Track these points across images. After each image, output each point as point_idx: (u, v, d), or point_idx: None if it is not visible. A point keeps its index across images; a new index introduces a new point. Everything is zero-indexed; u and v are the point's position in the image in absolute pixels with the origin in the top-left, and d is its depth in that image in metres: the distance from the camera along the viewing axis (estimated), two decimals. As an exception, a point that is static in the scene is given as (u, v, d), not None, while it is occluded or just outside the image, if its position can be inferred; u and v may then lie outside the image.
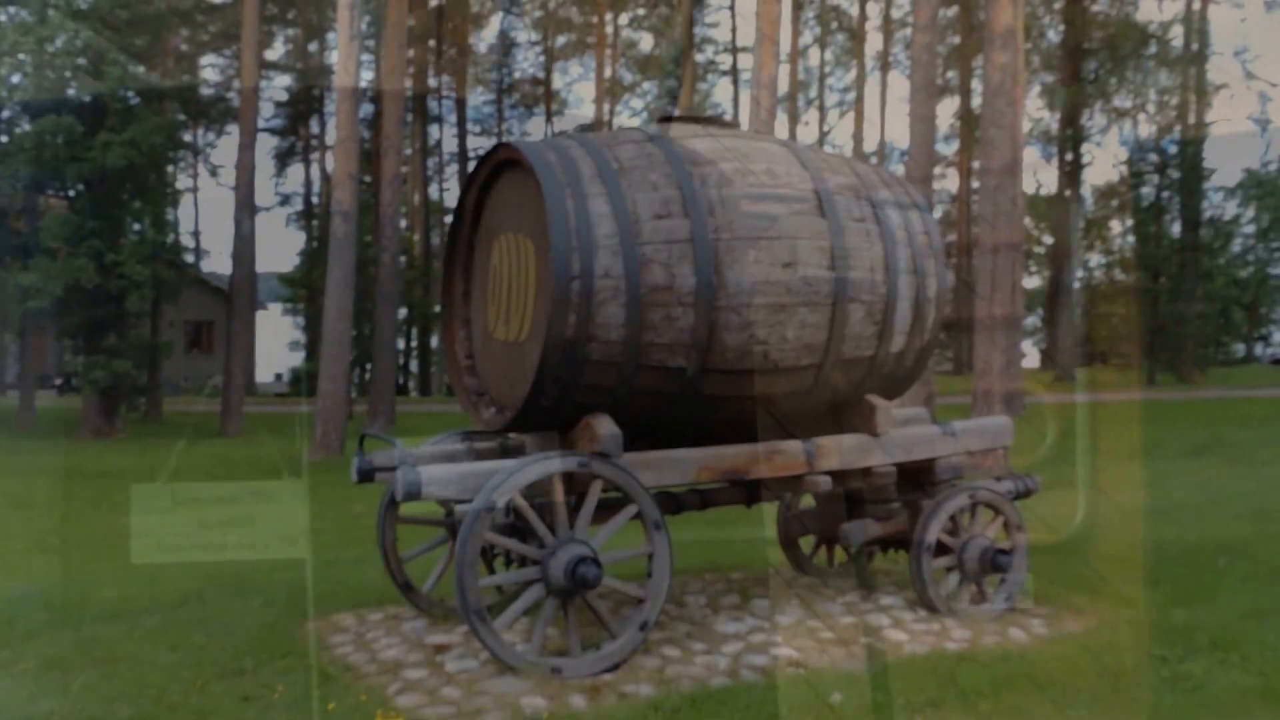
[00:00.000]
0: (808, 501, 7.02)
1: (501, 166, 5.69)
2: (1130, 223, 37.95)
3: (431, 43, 51.39)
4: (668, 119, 5.92)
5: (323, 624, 6.09)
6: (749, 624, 5.77)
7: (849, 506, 6.38)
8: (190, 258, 32.54)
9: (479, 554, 4.96)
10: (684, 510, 6.07)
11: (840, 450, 5.80)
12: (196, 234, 50.72)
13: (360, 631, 5.88)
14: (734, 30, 49.21)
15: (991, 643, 5.61)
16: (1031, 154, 42.77)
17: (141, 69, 30.30)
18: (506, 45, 56.76)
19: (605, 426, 5.21)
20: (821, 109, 48.90)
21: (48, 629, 6.41)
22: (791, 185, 5.51)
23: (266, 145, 53.92)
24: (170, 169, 36.57)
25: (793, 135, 44.17)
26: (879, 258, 5.67)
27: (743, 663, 5.23)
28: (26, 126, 25.17)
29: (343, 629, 5.96)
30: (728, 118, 6.05)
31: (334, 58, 54.57)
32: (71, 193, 25.68)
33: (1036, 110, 44.16)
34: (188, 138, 55.69)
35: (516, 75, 57.42)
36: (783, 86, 46.84)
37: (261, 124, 53.34)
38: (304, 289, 39.30)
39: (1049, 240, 45.32)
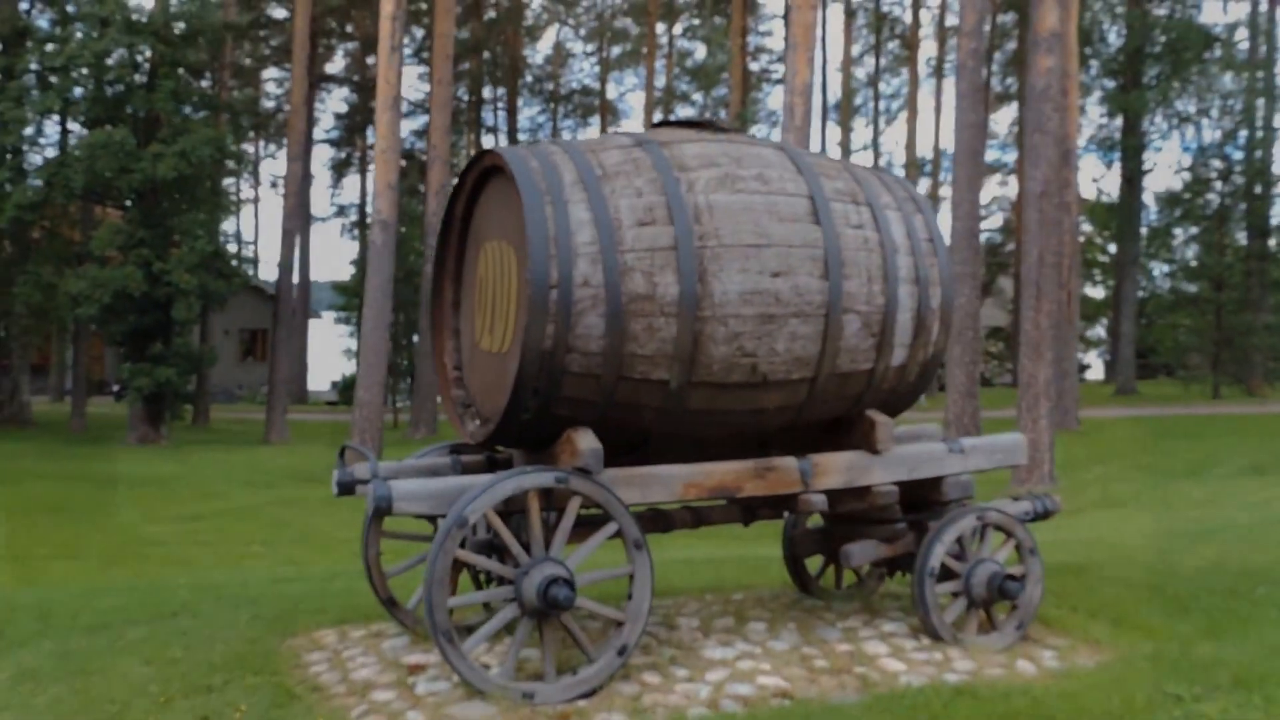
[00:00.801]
0: (816, 520, 6.76)
1: (488, 173, 5.52)
2: (1194, 231, 36.98)
3: (486, 55, 51.62)
4: (661, 123, 5.71)
5: (304, 640, 5.93)
6: (739, 649, 5.51)
7: (853, 526, 6.11)
8: (250, 269, 32.90)
9: (449, 572, 4.76)
10: (675, 528, 5.85)
11: (838, 468, 5.54)
12: (255, 243, 51.31)
13: (339, 649, 5.71)
14: (787, 39, 48.85)
15: (995, 675, 5.30)
16: (1091, 160, 41.99)
17: (198, 82, 30.75)
18: (562, 56, 57.01)
19: (586, 441, 5.00)
20: (876, 117, 48.46)
21: (35, 638, 6.34)
22: (784, 190, 5.26)
23: (324, 156, 54.65)
24: (232, 179, 37.04)
25: (845, 143, 43.74)
26: (877, 266, 5.40)
27: (725, 692, 4.97)
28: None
29: (322, 646, 5.79)
30: (722, 121, 5.78)
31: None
32: (126, 203, 26.06)
33: (1099, 116, 43.39)
34: (250, 149, 56.70)
35: (572, 85, 57.68)
36: (833, 94, 46.50)
37: (321, 136, 54.26)
38: (356, 298, 39.58)
39: (1112, 249, 44.43)
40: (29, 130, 25.81)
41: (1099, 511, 14.03)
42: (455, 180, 6.29)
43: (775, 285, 5.09)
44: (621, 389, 5.03)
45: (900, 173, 46.17)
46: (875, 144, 46.73)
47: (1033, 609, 5.83)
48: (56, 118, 26.57)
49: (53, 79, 25.31)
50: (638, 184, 5.06)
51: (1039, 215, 14.95)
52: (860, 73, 50.17)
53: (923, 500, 5.97)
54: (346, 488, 5.54)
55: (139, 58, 25.03)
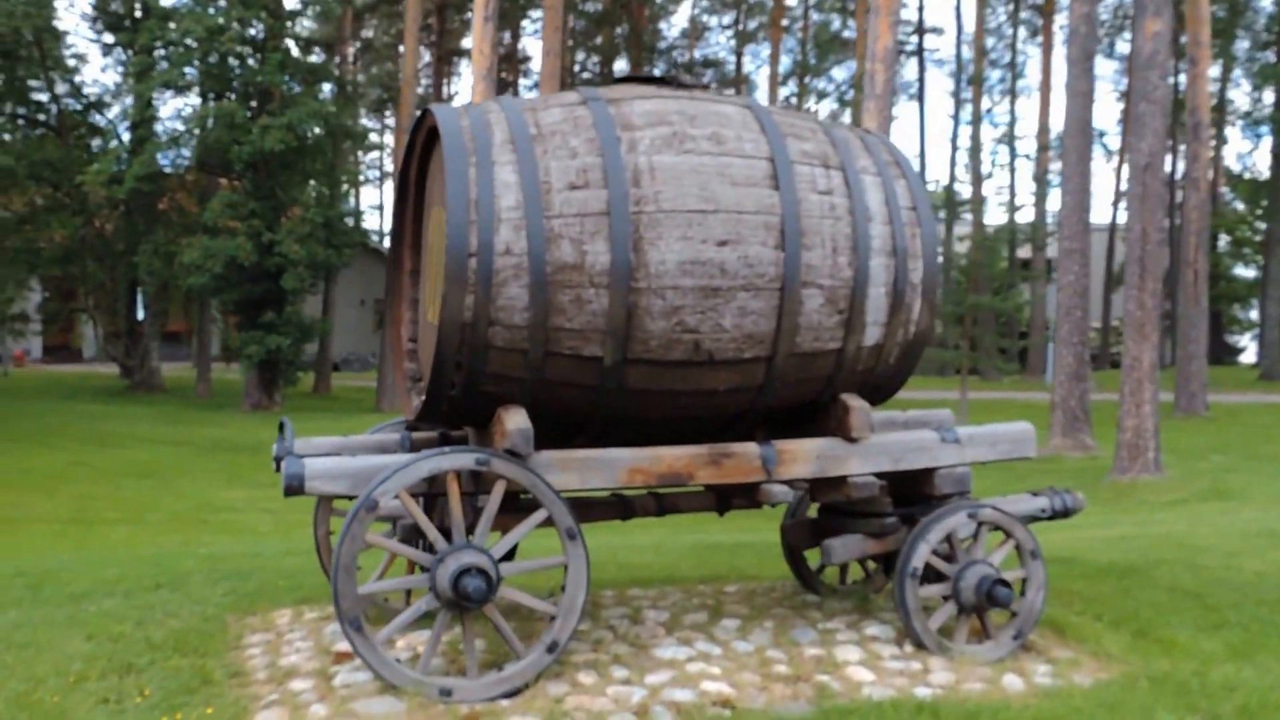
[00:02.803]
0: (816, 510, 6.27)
1: (434, 134, 5.18)
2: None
3: (620, 29, 51.39)
4: (622, 78, 5.28)
5: (258, 619, 5.75)
6: (697, 649, 5.09)
7: (842, 519, 5.61)
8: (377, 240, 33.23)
9: (356, 557, 4.48)
10: (635, 515, 5.46)
11: (807, 456, 5.05)
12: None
13: (284, 631, 5.51)
14: (921, 9, 47.37)
15: (975, 691, 4.77)
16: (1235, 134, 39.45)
17: (331, 59, 31.23)
18: (698, 29, 56.41)
19: (514, 421, 4.64)
20: (1012, 88, 46.56)
21: (8, 608, 6.29)
22: (740, 152, 4.78)
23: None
24: (374, 154, 37.14)
25: (976, 117, 42.12)
26: (845, 236, 4.88)
27: (661, 697, 4.56)
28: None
29: (270, 627, 5.60)
30: (685, 77, 5.28)
31: (524, 45, 55.64)
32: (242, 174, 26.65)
33: (1251, 90, 40.82)
34: (392, 122, 57.65)
35: (705, 58, 56.99)
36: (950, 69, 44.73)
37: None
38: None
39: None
40: (150, 103, 26.58)
41: (1201, 504, 13.05)
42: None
43: (721, 255, 4.63)
44: (552, 365, 4.66)
45: (1032, 145, 44.32)
46: (1011, 116, 44.83)
47: (1033, 617, 5.25)
48: (172, 91, 27.26)
49: (170, 53, 25.94)
50: (574, 144, 4.66)
51: (1142, 189, 13.91)
52: (995, 44, 48.25)
53: (915, 494, 5.45)
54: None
55: (251, 31, 25.51)
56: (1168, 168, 38.22)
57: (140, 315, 31.58)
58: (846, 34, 45.95)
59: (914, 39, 51.15)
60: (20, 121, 29.42)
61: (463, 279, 4.47)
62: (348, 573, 4.44)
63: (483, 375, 4.66)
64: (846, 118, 47.82)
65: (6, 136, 28.70)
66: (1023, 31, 47.66)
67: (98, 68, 74.90)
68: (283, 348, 25.14)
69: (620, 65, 54.23)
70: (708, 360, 4.72)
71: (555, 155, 4.62)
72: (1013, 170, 44.29)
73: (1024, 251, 41.50)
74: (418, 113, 6.37)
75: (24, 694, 4.59)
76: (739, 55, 55.71)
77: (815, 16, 51.04)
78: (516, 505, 4.95)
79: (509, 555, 5.78)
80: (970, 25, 46.67)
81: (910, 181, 5.18)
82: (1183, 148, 26.57)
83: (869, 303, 4.94)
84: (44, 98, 29.40)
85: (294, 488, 4.58)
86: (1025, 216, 41.85)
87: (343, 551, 4.43)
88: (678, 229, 4.58)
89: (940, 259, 5.23)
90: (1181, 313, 22.88)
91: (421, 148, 5.31)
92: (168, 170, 26.78)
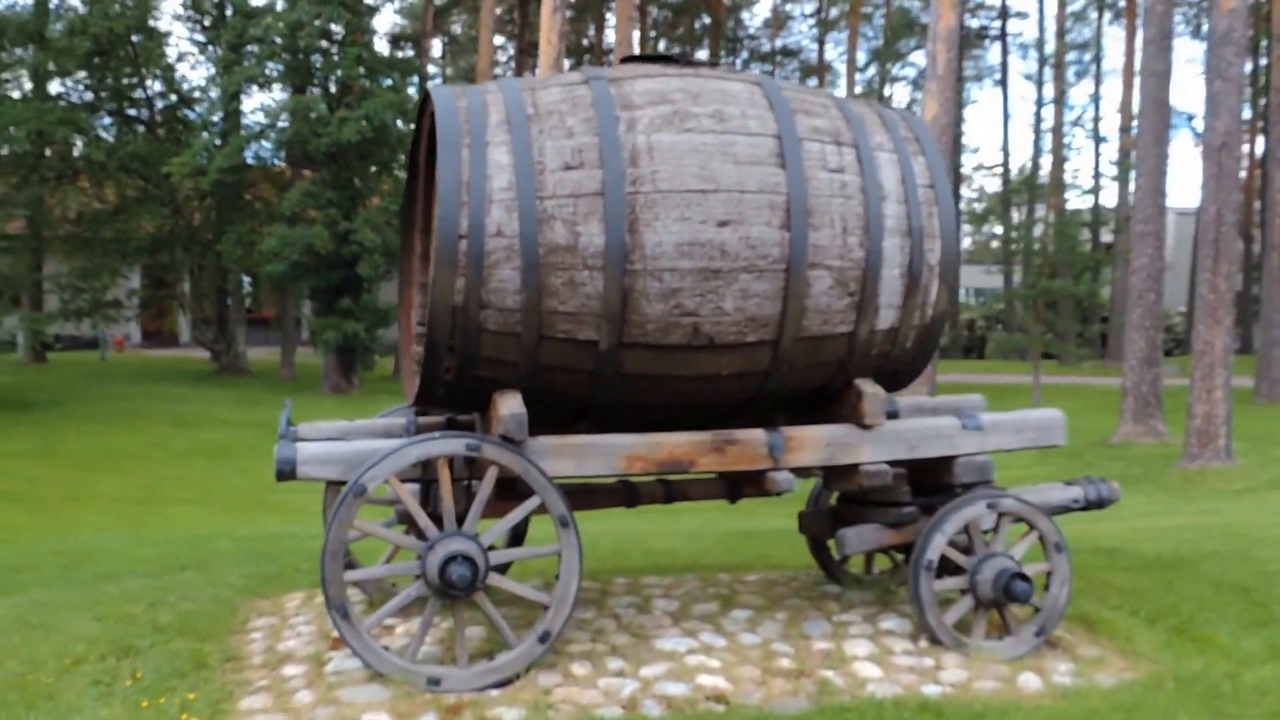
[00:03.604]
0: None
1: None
2: None
3: (701, 20, 51.09)
4: (630, 58, 5.13)
5: (268, 603, 5.76)
6: (700, 641, 4.95)
7: (860, 508, 5.42)
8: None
9: (343, 544, 4.42)
10: (641, 502, 5.34)
11: (816, 443, 4.87)
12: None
13: (290, 615, 5.50)
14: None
15: (986, 690, 4.57)
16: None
17: (399, 53, 31.42)
18: (780, 18, 55.83)
19: (508, 405, 4.54)
20: (1098, 75, 45.24)
21: (35, 586, 6.40)
22: (745, 129, 4.61)
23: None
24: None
25: (1059, 99, 40.97)
26: (856, 215, 4.68)
27: (653, 690, 4.44)
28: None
29: (278, 611, 5.60)
30: (690, 56, 5.11)
31: (609, 37, 55.65)
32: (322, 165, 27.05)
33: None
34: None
35: (787, 46, 56.38)
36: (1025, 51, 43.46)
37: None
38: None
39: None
40: (235, 97, 27.12)
41: (1271, 493, 12.53)
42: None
43: (721, 236, 4.47)
44: (546, 349, 4.55)
45: (1115, 122, 42.95)
46: (1096, 98, 43.51)
47: (1057, 613, 5.02)
48: (256, 86, 27.76)
49: (255, 48, 26.44)
50: (570, 124, 4.53)
51: (1217, 169, 13.36)
52: (1077, 26, 46.94)
53: (935, 483, 5.23)
54: (289, 445, 5.27)
55: (330, 26, 25.91)
56: (1259, 149, 36.87)
57: (228, 301, 32.24)
58: (925, 19, 44.91)
59: (998, 24, 50.13)
60: (117, 118, 30.19)
61: (453, 261, 4.38)
62: (335, 558, 4.39)
63: (476, 359, 4.57)
64: (919, 102, 46.89)
65: (103, 134, 29.42)
66: (1107, 15, 46.27)
67: (189, 64, 76.52)
68: (359, 333, 25.51)
69: (701, 57, 53.79)
70: (708, 344, 4.57)
71: (551, 135, 4.50)
72: (1097, 154, 43.07)
73: (1107, 235, 40.39)
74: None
75: (21, 675, 4.62)
76: (821, 44, 54.93)
77: (896, 2, 50.10)
78: (515, 492, 4.84)
79: (517, 541, 5.74)
80: (1052, 7, 45.51)
81: (929, 158, 4.95)
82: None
83: (882, 285, 4.74)
84: (140, 95, 30.16)
85: (285, 472, 4.54)
86: (1108, 201, 40.66)
87: (330, 537, 4.38)
88: (676, 209, 4.43)
89: (958, 238, 4.99)
90: (1265, 297, 22.05)
91: (428, 131, 5.22)
92: (251, 163, 27.34)
